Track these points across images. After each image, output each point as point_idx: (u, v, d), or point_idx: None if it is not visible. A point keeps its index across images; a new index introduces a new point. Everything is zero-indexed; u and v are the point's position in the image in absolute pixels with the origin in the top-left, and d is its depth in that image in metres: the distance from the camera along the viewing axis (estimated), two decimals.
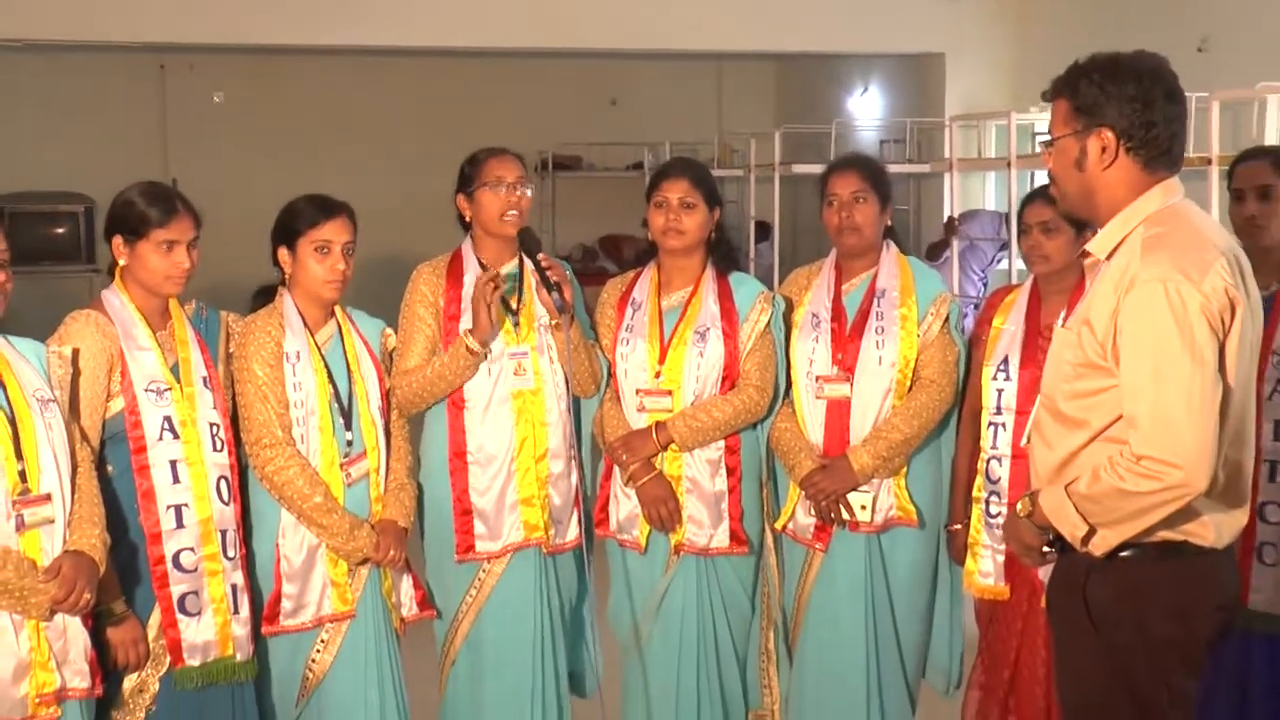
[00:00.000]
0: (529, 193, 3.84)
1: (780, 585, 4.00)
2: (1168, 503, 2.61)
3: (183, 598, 3.34)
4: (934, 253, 9.68)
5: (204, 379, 3.42)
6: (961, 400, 3.89)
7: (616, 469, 3.92)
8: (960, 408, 3.90)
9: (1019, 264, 8.58)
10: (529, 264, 3.80)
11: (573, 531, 3.89)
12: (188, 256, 3.38)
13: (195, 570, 3.35)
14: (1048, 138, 2.85)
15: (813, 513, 3.84)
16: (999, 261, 9.94)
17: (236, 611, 3.42)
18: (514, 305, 3.81)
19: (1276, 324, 3.67)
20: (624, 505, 3.92)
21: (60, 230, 12.65)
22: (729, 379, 3.86)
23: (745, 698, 4.05)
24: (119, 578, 3.25)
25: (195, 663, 3.36)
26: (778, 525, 3.95)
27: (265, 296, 3.69)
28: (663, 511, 3.83)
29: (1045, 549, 2.87)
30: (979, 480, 3.79)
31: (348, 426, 3.60)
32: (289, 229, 3.60)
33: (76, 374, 3.22)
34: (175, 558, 3.33)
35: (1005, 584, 3.74)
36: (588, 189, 14.25)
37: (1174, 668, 2.78)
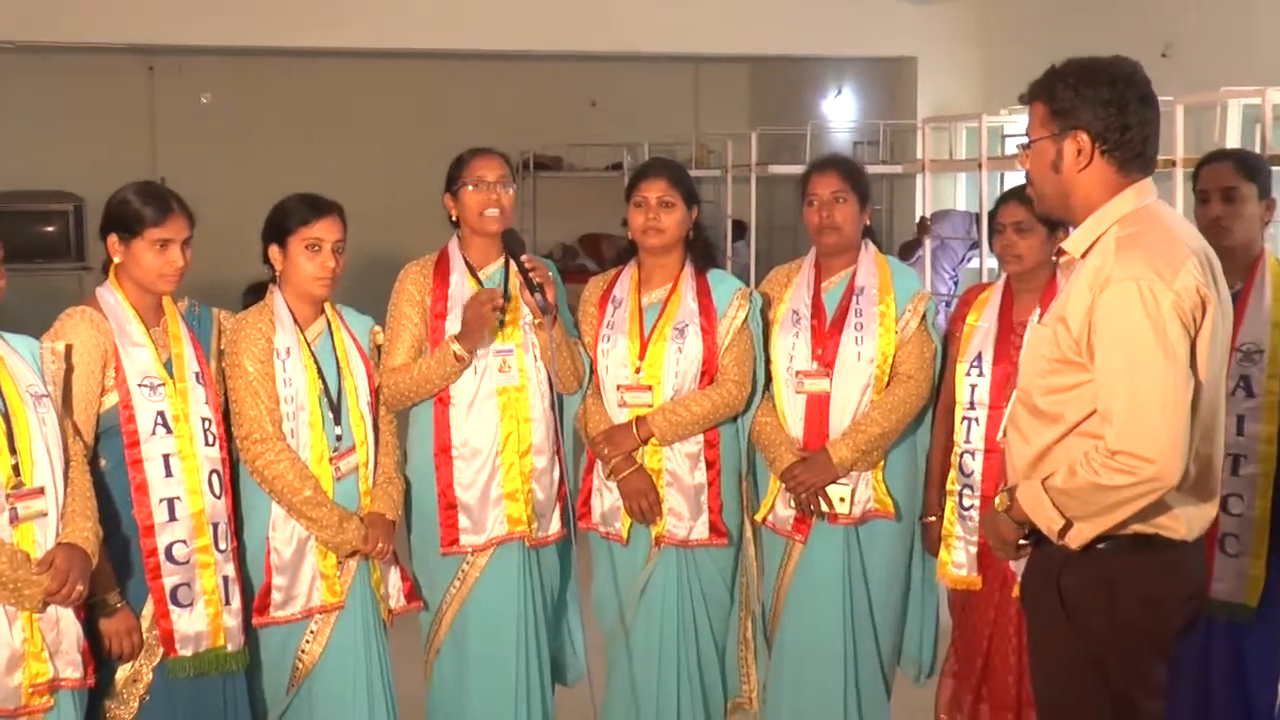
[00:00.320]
0: (510, 191, 3.83)
1: (759, 576, 4.00)
2: (1142, 496, 2.62)
3: (175, 589, 3.33)
4: (907, 251, 9.70)
5: (196, 375, 3.41)
6: (936, 396, 3.90)
7: (598, 463, 3.91)
8: (935, 403, 3.91)
9: (990, 262, 8.61)
10: (514, 264, 3.79)
11: (555, 525, 3.88)
12: (181, 255, 3.37)
13: (187, 562, 3.34)
14: (1025, 140, 2.86)
15: (792, 505, 3.85)
16: (970, 260, 9.98)
17: (228, 603, 3.41)
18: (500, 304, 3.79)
19: (1239, 323, 3.68)
20: (606, 498, 3.92)
21: (50, 229, 12.58)
22: (708, 374, 3.86)
23: (724, 686, 4.05)
24: (112, 570, 3.23)
25: (187, 653, 3.35)
26: (758, 517, 3.95)
27: (256, 294, 3.68)
28: (644, 504, 3.83)
29: (1021, 543, 2.88)
30: (953, 473, 3.80)
31: (337, 421, 3.59)
32: (280, 227, 3.58)
33: (69, 370, 3.21)
34: (168, 550, 3.32)
35: (978, 574, 3.75)
36: (568, 189, 14.24)
37: (1145, 655, 2.80)
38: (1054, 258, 3.69)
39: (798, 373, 3.86)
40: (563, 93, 14.20)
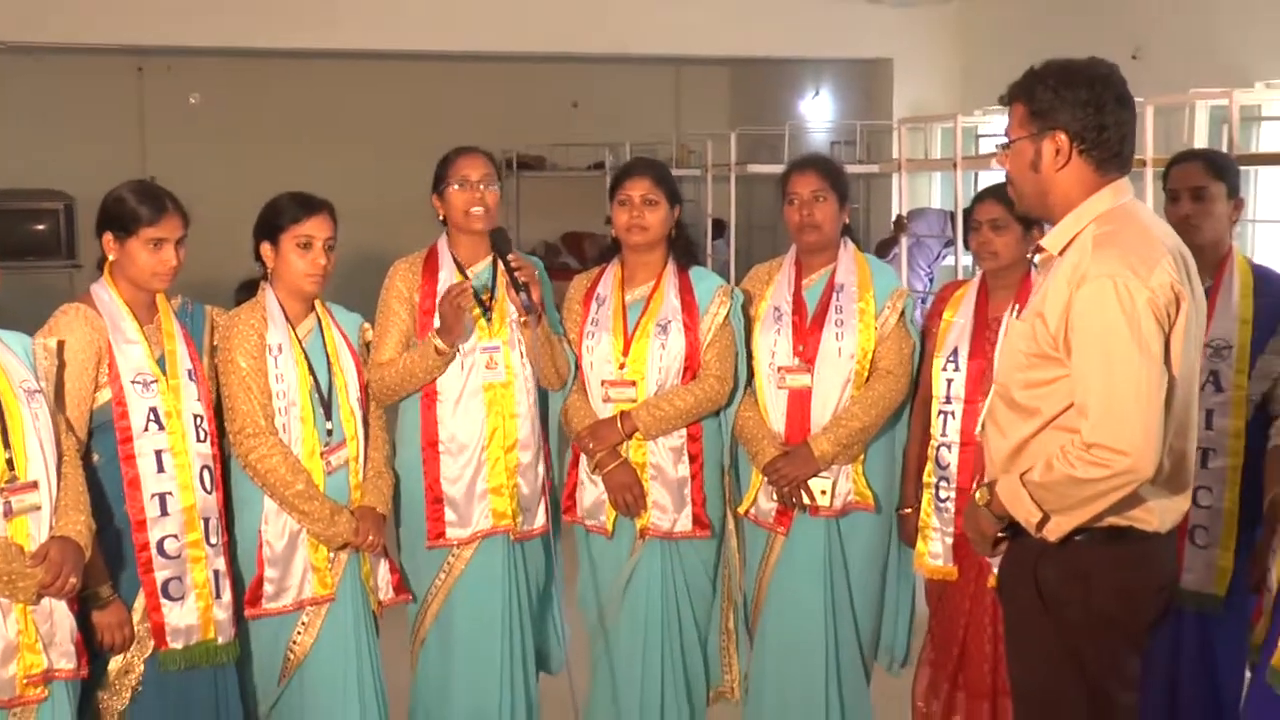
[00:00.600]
0: (496, 189, 3.81)
1: (741, 568, 4.00)
2: (1117, 489, 2.63)
3: (166, 583, 3.32)
4: (883, 249, 9.69)
5: (189, 372, 3.39)
6: (914, 390, 3.90)
7: (583, 457, 3.90)
8: (912, 397, 3.91)
9: (965, 260, 8.63)
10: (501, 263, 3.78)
11: (540, 519, 3.88)
12: (175, 254, 3.35)
13: (179, 556, 3.33)
14: (1004, 140, 2.86)
15: (775, 498, 3.85)
16: (945, 258, 9.99)
17: (219, 596, 3.40)
18: (487, 302, 3.78)
19: (1209, 319, 3.69)
20: (590, 492, 3.92)
21: (41, 227, 12.51)
22: (690, 369, 3.86)
23: (707, 675, 4.06)
24: (105, 563, 3.22)
25: (178, 645, 3.34)
26: (740, 510, 3.95)
27: (248, 291, 3.66)
28: (628, 497, 3.82)
29: (999, 537, 2.88)
30: (929, 466, 3.80)
31: (328, 417, 3.58)
32: (272, 225, 3.56)
33: (62, 366, 3.20)
34: (159, 544, 3.31)
35: (954, 565, 3.76)
36: (551, 188, 14.20)
37: (1118, 645, 2.81)
38: (1030, 255, 3.70)
39: (779, 368, 3.86)
40: (546, 94, 14.18)
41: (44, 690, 2.98)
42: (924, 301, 6.60)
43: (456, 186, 3.77)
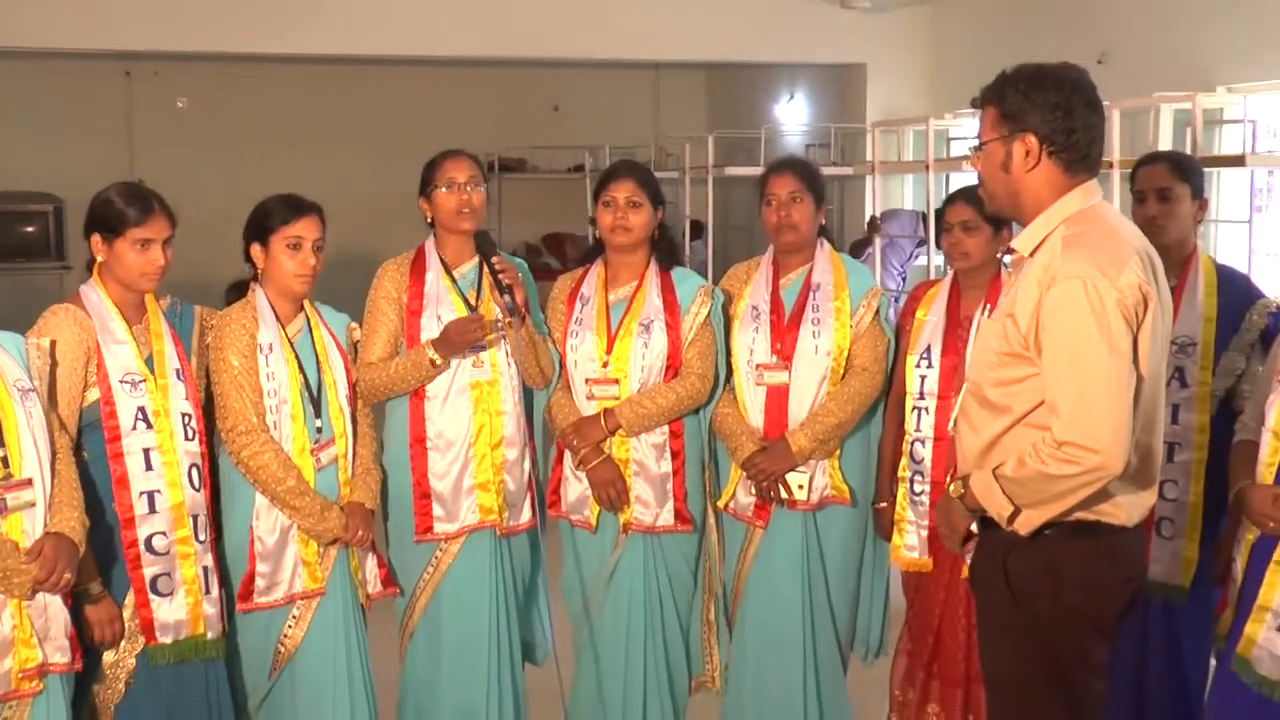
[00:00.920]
0: (482, 191, 3.82)
1: (721, 560, 4.01)
2: (1087, 485, 2.64)
3: (155, 579, 3.31)
4: (857, 249, 9.73)
5: (177, 371, 3.38)
6: (888, 387, 3.91)
7: (568, 453, 3.91)
8: (886, 394, 3.92)
9: (937, 259, 8.66)
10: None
11: (526, 515, 3.88)
12: (163, 254, 3.34)
13: (167, 553, 3.32)
14: (976, 142, 2.86)
15: (753, 492, 3.86)
16: (917, 257, 10.04)
17: (207, 592, 3.39)
18: (473, 302, 3.78)
19: (1175, 317, 3.71)
20: (575, 487, 3.92)
21: (31, 229, 12.45)
22: (672, 368, 3.86)
23: (688, 664, 4.06)
24: (95, 559, 3.20)
25: (168, 640, 3.33)
26: (720, 504, 3.95)
27: (238, 292, 3.65)
28: (611, 493, 3.83)
29: (968, 533, 2.89)
30: (904, 461, 3.82)
31: (317, 414, 3.57)
32: (262, 226, 3.56)
33: (54, 365, 3.18)
34: (148, 541, 3.30)
35: (929, 557, 3.77)
36: (532, 190, 14.20)
37: (1087, 636, 2.82)
38: (1001, 256, 3.72)
39: (758, 365, 3.86)
40: (527, 98, 14.18)
41: (39, 684, 2.97)
42: (897, 300, 6.62)
43: (444, 189, 3.77)
